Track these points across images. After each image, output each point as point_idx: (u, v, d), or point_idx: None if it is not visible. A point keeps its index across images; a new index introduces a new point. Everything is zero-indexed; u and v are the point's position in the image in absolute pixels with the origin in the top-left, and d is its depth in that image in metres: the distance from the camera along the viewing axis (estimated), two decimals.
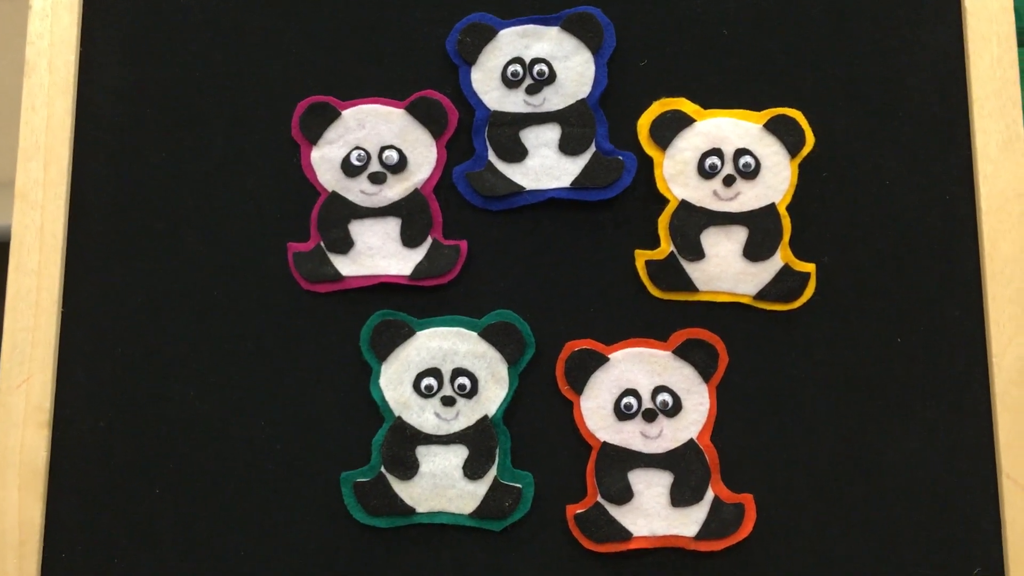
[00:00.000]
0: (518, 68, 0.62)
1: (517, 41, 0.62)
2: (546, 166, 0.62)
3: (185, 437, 0.61)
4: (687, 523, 0.59)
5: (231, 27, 0.64)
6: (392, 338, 0.60)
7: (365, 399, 0.61)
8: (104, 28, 0.64)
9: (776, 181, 0.61)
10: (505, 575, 0.59)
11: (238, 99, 0.63)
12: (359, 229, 0.62)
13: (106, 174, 0.63)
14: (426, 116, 0.62)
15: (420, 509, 0.60)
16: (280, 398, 0.61)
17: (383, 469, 0.60)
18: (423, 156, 0.62)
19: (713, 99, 0.62)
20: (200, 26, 0.64)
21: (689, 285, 0.61)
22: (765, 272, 0.61)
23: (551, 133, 0.62)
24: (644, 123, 0.62)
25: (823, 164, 0.62)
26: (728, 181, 0.61)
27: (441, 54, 0.63)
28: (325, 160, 0.62)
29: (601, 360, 0.60)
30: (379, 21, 0.64)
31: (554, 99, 0.62)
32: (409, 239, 0.62)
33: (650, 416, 0.59)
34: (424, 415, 0.60)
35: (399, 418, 0.60)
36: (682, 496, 0.59)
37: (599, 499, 0.59)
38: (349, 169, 0.62)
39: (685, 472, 0.59)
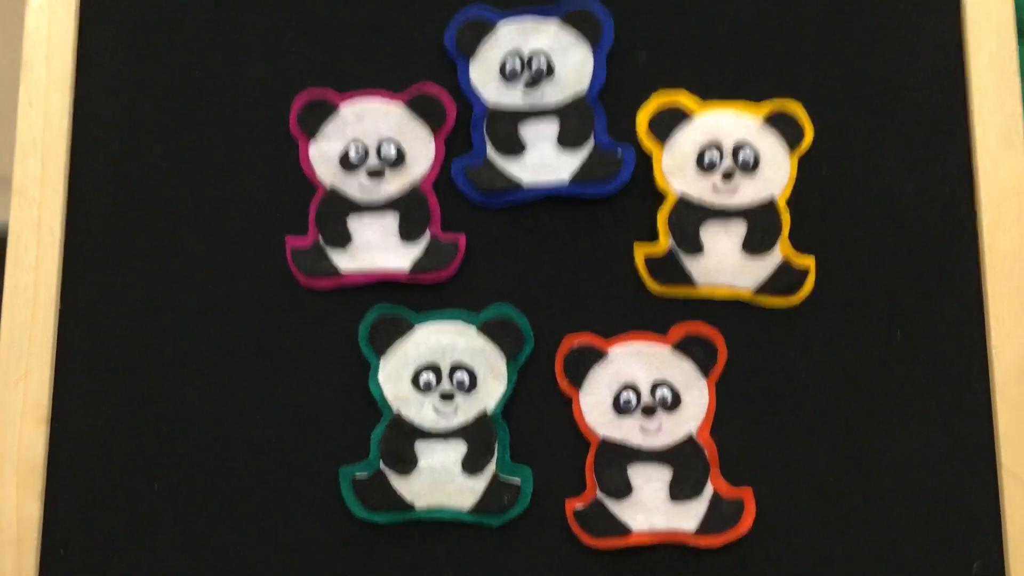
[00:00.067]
0: (516, 62, 0.62)
1: (515, 35, 0.62)
2: (545, 161, 0.62)
3: (183, 433, 0.61)
4: (686, 518, 0.59)
5: (229, 22, 0.64)
6: (390, 333, 0.60)
7: (363, 394, 0.60)
8: (101, 24, 0.64)
9: (775, 175, 0.61)
10: (504, 570, 0.59)
11: (236, 94, 0.63)
12: (357, 224, 0.62)
13: (104, 170, 0.63)
14: (424, 110, 0.62)
15: (419, 504, 0.59)
16: (278, 393, 0.61)
17: (382, 464, 0.60)
18: (421, 151, 0.62)
19: (712, 93, 0.62)
20: (197, 21, 0.64)
21: (688, 280, 0.61)
22: (764, 267, 0.61)
23: (550, 127, 0.62)
24: (643, 117, 0.62)
25: (823, 158, 0.61)
26: (727, 175, 0.61)
27: (439, 48, 0.63)
28: (323, 155, 0.62)
29: (600, 355, 0.60)
30: (377, 15, 0.64)
31: (553, 93, 0.62)
32: (407, 234, 0.62)
33: (649, 411, 0.59)
34: (423, 410, 0.60)
35: (398, 413, 0.60)
36: (681, 491, 0.59)
37: (598, 494, 0.59)
38: (347, 164, 0.62)
39: (684, 467, 0.59)
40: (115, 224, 0.63)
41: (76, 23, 0.64)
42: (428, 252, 0.61)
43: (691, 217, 0.61)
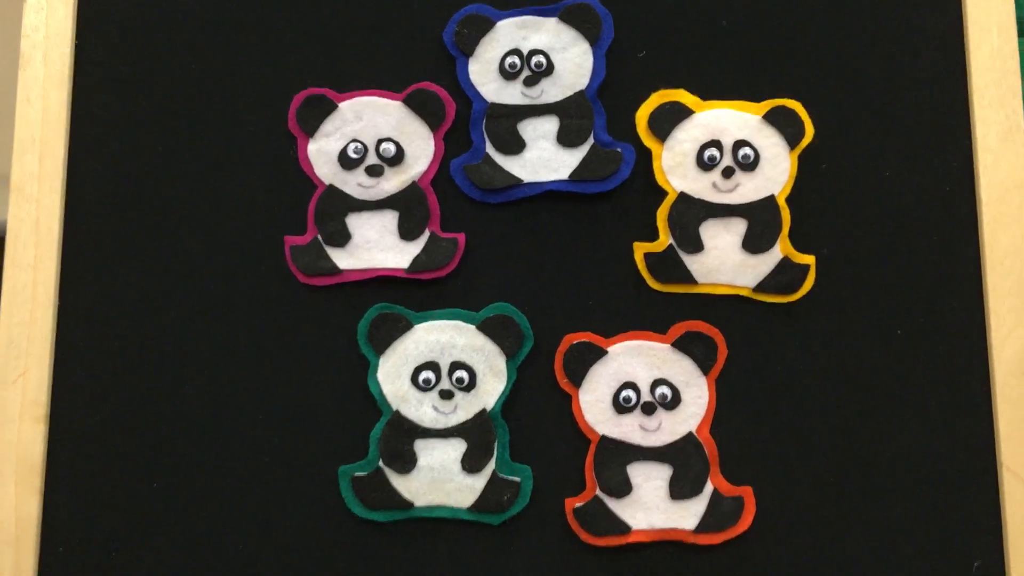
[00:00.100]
0: (516, 60, 0.62)
1: (515, 32, 0.62)
2: (544, 158, 0.62)
3: (182, 431, 0.61)
4: (686, 516, 0.59)
5: (227, 19, 0.64)
6: (390, 331, 0.60)
7: (363, 393, 0.60)
8: (99, 21, 0.64)
9: (775, 173, 0.61)
10: (504, 569, 0.59)
11: (235, 92, 0.63)
12: (356, 222, 0.62)
13: (102, 167, 0.63)
14: (423, 108, 0.62)
15: (418, 503, 0.59)
16: (277, 392, 0.61)
17: (381, 463, 0.60)
18: (420, 148, 0.62)
19: (712, 90, 0.62)
20: (196, 19, 0.64)
21: (688, 277, 0.61)
22: (764, 264, 0.60)
23: (549, 125, 0.62)
24: (643, 115, 0.61)
25: (822, 155, 0.61)
26: (727, 173, 0.60)
27: (438, 46, 0.63)
28: (322, 153, 0.62)
29: (600, 353, 0.60)
30: (376, 13, 0.63)
31: (552, 91, 0.62)
32: (407, 232, 0.61)
33: (649, 409, 0.59)
34: (422, 408, 0.60)
35: (397, 412, 0.60)
36: (681, 489, 0.59)
37: (598, 492, 0.59)
38: (346, 162, 0.62)
39: (684, 465, 0.59)
40: (114, 222, 0.62)
41: (74, 21, 0.64)
42: (427, 250, 0.61)
43: (691, 215, 0.61)
